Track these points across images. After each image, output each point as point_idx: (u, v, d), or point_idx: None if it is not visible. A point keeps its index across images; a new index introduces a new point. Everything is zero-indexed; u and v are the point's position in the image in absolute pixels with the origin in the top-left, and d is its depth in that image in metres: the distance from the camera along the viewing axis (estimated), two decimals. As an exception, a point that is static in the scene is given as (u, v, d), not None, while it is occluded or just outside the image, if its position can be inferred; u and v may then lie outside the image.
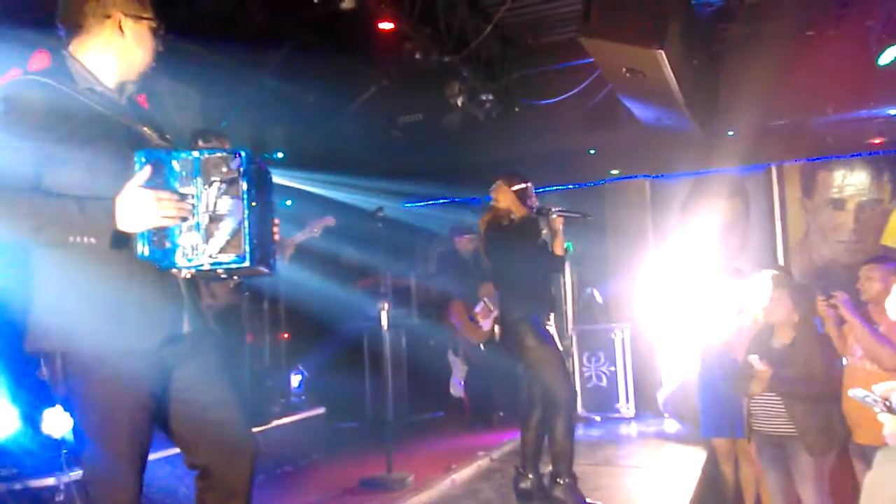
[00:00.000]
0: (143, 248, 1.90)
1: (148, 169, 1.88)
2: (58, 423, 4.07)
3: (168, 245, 1.91)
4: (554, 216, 4.15)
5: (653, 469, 5.04)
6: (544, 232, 4.25)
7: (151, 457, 3.41)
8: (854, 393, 1.89)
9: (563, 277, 7.71)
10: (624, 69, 4.83)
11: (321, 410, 5.97)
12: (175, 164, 1.93)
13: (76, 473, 3.79)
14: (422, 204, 9.21)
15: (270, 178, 2.16)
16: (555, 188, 8.08)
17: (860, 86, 5.93)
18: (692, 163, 7.57)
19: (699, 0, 5.80)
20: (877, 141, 7.14)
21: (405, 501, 4.28)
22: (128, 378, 1.95)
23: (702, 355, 4.96)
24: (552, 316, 4.14)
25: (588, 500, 3.94)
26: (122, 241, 1.88)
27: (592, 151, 7.50)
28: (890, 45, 5.46)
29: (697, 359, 5.02)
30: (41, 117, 1.88)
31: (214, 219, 1.91)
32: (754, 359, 3.76)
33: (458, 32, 5.71)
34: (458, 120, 6.38)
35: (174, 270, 1.97)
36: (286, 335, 7.02)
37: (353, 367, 7.21)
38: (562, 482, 3.89)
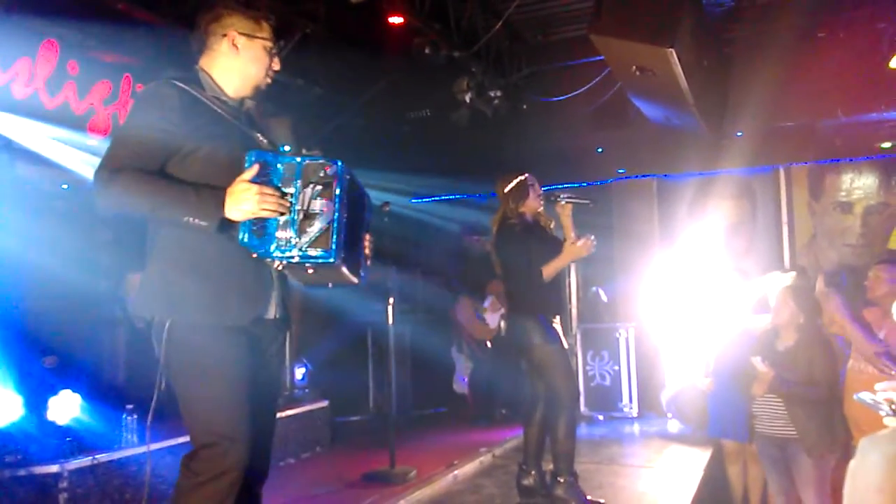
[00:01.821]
0: (243, 236, 2.10)
1: (256, 167, 2.11)
2: (63, 410, 4.10)
3: (265, 236, 2.11)
4: (563, 202, 4.13)
5: (655, 468, 5.04)
6: (552, 225, 4.22)
7: (156, 446, 3.42)
8: (861, 396, 1.89)
9: (569, 276, 7.72)
10: (634, 67, 4.82)
11: (325, 404, 5.99)
12: (280, 165, 2.16)
13: (80, 461, 3.82)
14: (429, 200, 9.21)
15: (365, 196, 2.40)
16: (562, 186, 8.06)
17: (870, 88, 5.90)
18: (700, 163, 7.54)
19: (710, 0, 5.77)
20: (886, 144, 7.11)
21: (407, 496, 4.28)
22: (226, 348, 2.12)
23: (714, 355, 4.95)
24: (558, 315, 4.14)
25: (590, 498, 3.94)
26: (227, 227, 2.09)
27: (600, 150, 7.48)
28: (901, 48, 5.44)
29: (709, 359, 5.00)
30: (176, 111, 2.13)
31: (308, 216, 2.12)
32: (757, 361, 3.76)
33: (468, 28, 5.71)
34: (467, 116, 6.37)
35: (268, 260, 2.16)
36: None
37: (357, 361, 7.23)
38: (563, 480, 3.89)
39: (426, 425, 6.95)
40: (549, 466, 4.02)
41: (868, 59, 5.74)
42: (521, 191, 4.06)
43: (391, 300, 4.98)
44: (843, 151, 7.33)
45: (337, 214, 2.12)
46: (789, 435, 3.71)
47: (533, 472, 4.06)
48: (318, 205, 2.12)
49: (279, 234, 2.11)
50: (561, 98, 6.42)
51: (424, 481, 4.55)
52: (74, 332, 5.00)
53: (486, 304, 6.66)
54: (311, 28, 5.41)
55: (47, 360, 4.59)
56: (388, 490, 4.40)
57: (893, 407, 1.84)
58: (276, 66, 2.39)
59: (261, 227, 2.11)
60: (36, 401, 4.11)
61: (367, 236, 2.41)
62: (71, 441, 3.94)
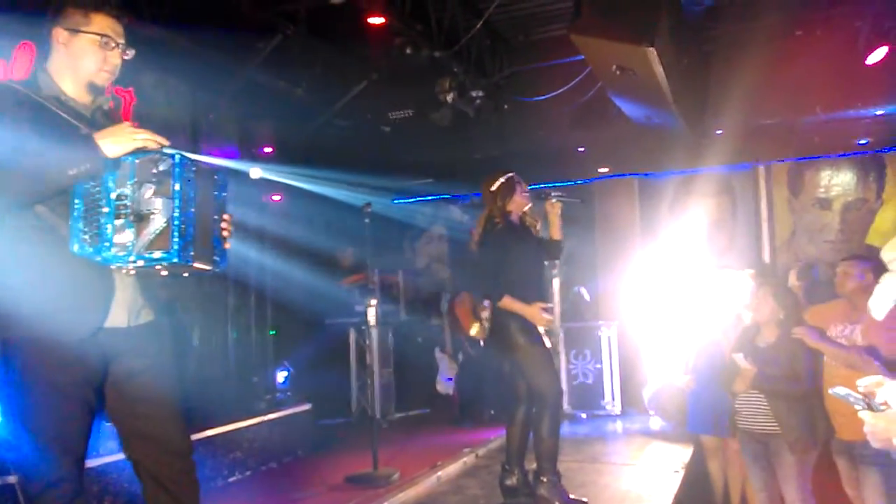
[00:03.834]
0: (73, 245, 2.03)
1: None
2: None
3: (101, 243, 2.03)
4: (553, 200, 4.14)
5: (638, 466, 5.06)
6: (538, 225, 4.22)
7: (117, 457, 3.35)
8: (835, 391, 1.89)
9: (552, 275, 7.73)
10: (614, 67, 4.83)
11: (307, 407, 5.95)
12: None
13: (6, 479, 3.68)
14: (411, 200, 9.20)
15: (221, 178, 2.25)
16: (544, 186, 8.08)
17: (847, 86, 5.96)
18: (681, 161, 7.59)
19: (689, -1, 5.80)
20: (863, 141, 7.19)
21: (391, 498, 4.27)
22: (63, 366, 2.06)
23: (694, 352, 4.97)
24: None
25: (573, 496, 3.95)
26: (111, 165, 2.02)
27: (581, 149, 7.50)
28: (877, 46, 5.49)
29: (689, 356, 5.03)
30: (7, 113, 2.05)
31: (144, 217, 2.03)
32: (739, 357, 3.78)
33: (449, 28, 5.70)
34: (448, 116, 6.36)
35: (113, 266, 2.08)
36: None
37: (339, 363, 7.20)
38: (546, 480, 3.89)
39: (409, 427, 6.93)
40: (532, 466, 4.02)
41: (845, 56, 5.79)
42: (509, 189, 4.05)
43: (373, 302, 4.97)
44: (821, 148, 7.41)
45: (177, 211, 2.03)
46: (771, 430, 3.73)
47: (516, 472, 4.06)
48: (156, 203, 2.02)
49: (116, 238, 2.03)
50: (542, 98, 6.43)
51: (408, 483, 4.54)
52: None
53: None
54: (291, 29, 5.37)
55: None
56: (372, 492, 4.39)
57: (867, 401, 1.84)
58: (115, 59, 2.25)
59: (94, 234, 2.03)
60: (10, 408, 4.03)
61: (226, 217, 2.27)
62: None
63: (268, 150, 6.85)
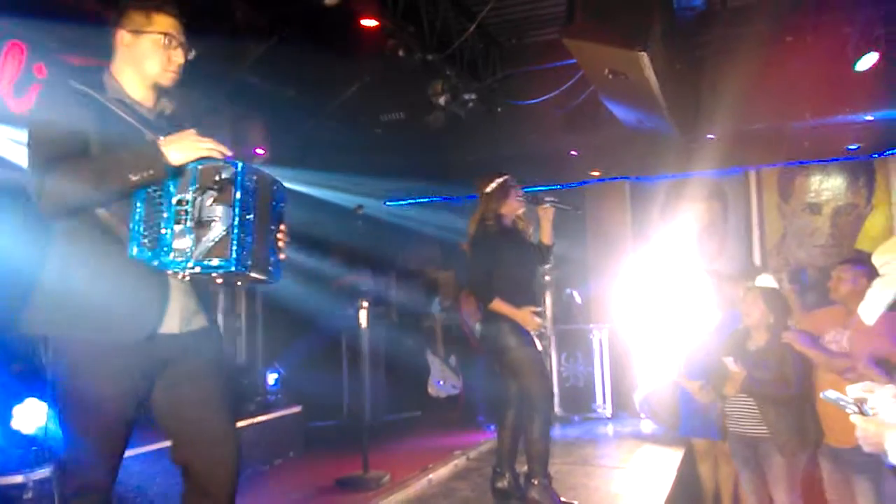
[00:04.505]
0: (132, 248, 2.01)
1: None
2: (28, 419, 4.01)
3: (159, 247, 2.02)
4: (547, 205, 4.14)
5: (629, 469, 5.07)
6: (531, 230, 4.23)
7: (126, 454, 3.34)
8: (826, 395, 1.90)
9: (543, 278, 7.73)
10: (606, 71, 4.84)
11: (297, 409, 5.93)
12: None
13: (45, 471, 3.74)
14: (403, 203, 9.20)
15: (279, 189, 2.26)
16: (535, 189, 8.10)
17: (837, 91, 5.99)
18: (672, 165, 7.63)
19: (681, 4, 5.83)
20: (853, 146, 7.24)
21: (381, 501, 4.26)
22: (113, 370, 2.05)
23: (685, 356, 4.99)
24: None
25: (563, 499, 3.95)
26: (175, 173, 2.03)
27: (574, 152, 7.52)
28: (867, 52, 5.54)
29: (680, 359, 5.05)
30: (73, 111, 2.06)
31: (205, 224, 2.01)
32: (729, 360, 3.79)
33: (442, 31, 5.70)
34: (441, 119, 6.36)
35: (169, 272, 2.06)
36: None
37: (330, 365, 7.18)
38: (537, 483, 3.89)
39: (400, 429, 6.92)
40: (523, 468, 4.02)
41: (835, 62, 5.83)
42: (503, 191, 4.06)
43: (365, 303, 4.96)
44: (811, 153, 7.45)
45: (237, 220, 2.02)
46: (761, 434, 3.75)
47: (507, 475, 4.06)
48: (216, 211, 2.01)
49: (175, 243, 2.01)
50: (534, 101, 6.44)
51: (398, 486, 4.53)
52: (41, 338, 4.90)
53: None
54: (284, 31, 5.37)
55: (14, 366, 4.49)
56: (362, 495, 4.38)
57: (859, 406, 1.85)
58: (178, 58, 2.27)
59: (153, 239, 2.02)
60: (0, 409, 4.02)
61: (283, 227, 2.27)
62: (36, 450, 3.85)
63: (260, 151, 6.84)
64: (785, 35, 6.06)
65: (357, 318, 4.92)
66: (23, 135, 4.64)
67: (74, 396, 2.06)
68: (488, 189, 4.06)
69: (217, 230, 2.00)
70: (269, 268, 2.19)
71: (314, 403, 6.39)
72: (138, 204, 2.04)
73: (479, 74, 6.51)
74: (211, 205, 2.01)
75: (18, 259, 4.55)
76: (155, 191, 2.03)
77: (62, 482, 2.08)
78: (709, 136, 6.78)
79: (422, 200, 9.10)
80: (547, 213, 4.16)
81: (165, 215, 2.03)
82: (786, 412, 3.70)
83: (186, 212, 2.02)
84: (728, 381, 3.82)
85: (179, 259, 2.01)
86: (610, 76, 4.88)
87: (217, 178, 2.02)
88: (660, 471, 4.91)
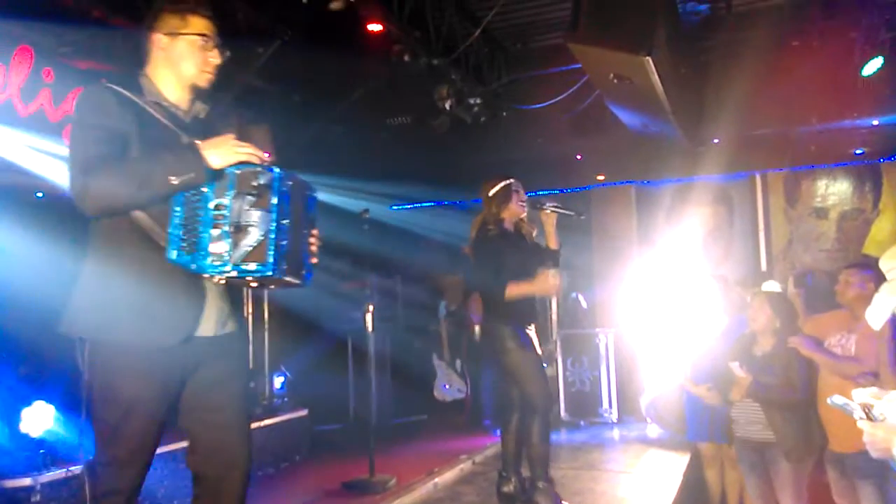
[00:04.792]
0: (172, 252, 2.03)
1: None
2: (36, 422, 4.03)
3: (197, 251, 2.03)
4: (548, 210, 4.11)
5: (636, 473, 5.06)
6: (534, 233, 4.22)
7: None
8: (833, 400, 1.89)
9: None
10: (611, 75, 4.84)
11: (304, 413, 5.95)
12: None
13: (53, 473, 3.76)
14: (409, 207, 9.20)
15: (311, 194, 2.30)
16: (541, 193, 8.11)
17: (843, 96, 5.99)
18: (677, 170, 7.62)
19: (686, 9, 5.83)
20: (859, 151, 7.22)
21: (387, 504, 4.27)
22: (148, 372, 2.07)
23: (691, 361, 4.98)
24: (533, 323, 4.11)
25: (565, 502, 3.95)
26: (213, 177, 2.05)
27: (579, 157, 7.52)
28: (873, 57, 5.53)
29: (686, 364, 5.04)
30: (113, 112, 2.09)
31: (242, 228, 2.02)
32: (734, 366, 3.79)
33: (447, 36, 5.72)
34: (446, 123, 6.38)
35: (206, 276, 2.07)
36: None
37: (336, 369, 7.19)
38: (541, 486, 3.89)
39: (406, 433, 6.92)
40: (527, 472, 4.02)
41: (841, 67, 5.83)
42: (505, 195, 4.05)
43: (370, 307, 4.96)
44: (817, 158, 7.44)
45: (274, 224, 2.03)
46: (767, 439, 3.74)
47: (513, 479, 4.06)
48: (253, 215, 2.02)
49: (213, 247, 2.02)
50: (540, 105, 6.44)
51: (404, 489, 4.53)
52: (48, 341, 4.91)
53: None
54: (289, 35, 5.38)
55: (21, 369, 4.52)
56: (368, 499, 4.40)
57: (867, 411, 1.85)
58: (215, 59, 2.28)
59: (192, 243, 2.03)
60: (8, 412, 4.04)
61: (315, 232, 2.30)
62: (44, 453, 3.87)
63: (265, 156, 6.84)
64: (791, 40, 6.06)
65: (363, 322, 4.93)
66: (33, 139, 4.69)
67: (108, 398, 2.07)
68: (491, 192, 4.07)
69: (254, 235, 2.02)
70: (303, 272, 2.21)
71: (320, 407, 6.40)
72: (177, 208, 2.05)
73: (485, 79, 6.52)
74: (248, 209, 2.03)
75: (25, 268, 4.60)
76: (193, 195, 2.04)
77: (92, 483, 2.08)
78: (714, 140, 6.78)
79: (427, 205, 9.10)
80: (549, 218, 4.14)
81: (203, 219, 2.04)
82: (792, 417, 3.69)
83: (224, 216, 2.03)
84: (734, 386, 3.82)
85: (217, 263, 2.02)
86: (615, 81, 4.88)
87: (255, 183, 2.04)
88: (666, 475, 4.90)
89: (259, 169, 2.07)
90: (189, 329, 2.12)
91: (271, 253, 2.02)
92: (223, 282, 2.11)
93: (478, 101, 6.29)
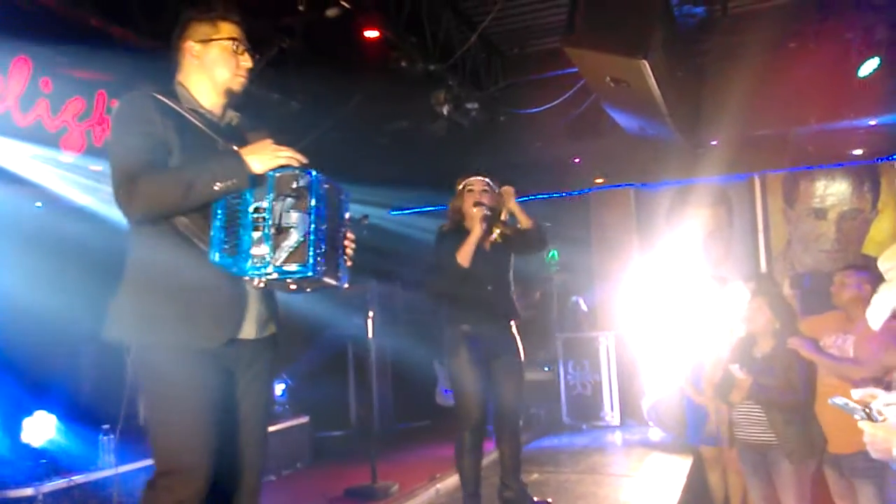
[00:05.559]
0: (214, 255, 2.06)
1: None
2: (38, 432, 4.03)
3: (239, 253, 2.06)
4: (506, 187, 4.02)
5: (638, 477, 5.05)
6: (499, 232, 4.04)
7: (130, 467, 3.37)
8: (834, 401, 1.89)
9: (549, 285, 7.73)
10: (608, 79, 4.85)
11: (305, 419, 5.94)
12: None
13: (55, 483, 3.76)
14: (407, 212, 9.21)
15: (345, 197, 2.32)
16: (539, 197, 8.11)
17: (841, 97, 6.00)
18: (676, 172, 7.62)
19: (682, 12, 5.84)
20: (857, 151, 7.23)
21: (389, 511, 4.26)
22: (194, 374, 2.08)
23: (692, 363, 4.98)
24: (511, 322, 3.98)
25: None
26: (256, 182, 2.08)
27: (577, 160, 7.53)
28: (869, 58, 5.54)
29: (687, 367, 5.04)
30: (154, 119, 2.13)
31: (283, 230, 2.06)
32: (734, 368, 3.78)
33: (444, 42, 5.73)
34: (444, 128, 6.39)
35: (246, 278, 2.10)
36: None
37: (337, 375, 7.18)
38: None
39: (408, 439, 6.91)
40: (532, 477, 4.02)
41: (838, 68, 5.84)
42: (459, 195, 4.09)
43: (371, 313, 4.96)
44: (816, 159, 7.45)
45: (313, 226, 2.07)
46: (769, 441, 3.73)
47: (513, 485, 4.05)
48: (292, 218, 2.06)
49: (254, 250, 2.06)
50: (537, 110, 6.46)
51: (407, 495, 4.53)
52: (49, 352, 4.92)
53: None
54: (287, 43, 5.39)
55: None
56: (371, 505, 4.38)
57: (867, 411, 1.85)
58: (247, 62, 2.33)
59: (234, 245, 2.07)
60: (10, 422, 4.04)
61: (349, 235, 2.32)
62: (46, 463, 3.87)
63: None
64: (787, 41, 6.08)
65: (364, 328, 4.93)
66: (32, 149, 4.69)
67: (159, 397, 2.10)
68: (459, 187, 4.08)
69: (294, 237, 2.05)
70: (339, 273, 2.24)
71: (322, 413, 6.39)
72: (219, 211, 2.08)
73: (482, 84, 6.53)
74: (288, 212, 2.06)
75: (25, 278, 4.60)
76: (234, 198, 2.08)
77: (149, 493, 2.08)
78: (712, 142, 6.79)
79: (426, 209, 9.11)
80: (506, 197, 3.99)
81: (244, 222, 2.08)
82: (792, 419, 3.68)
83: (264, 219, 2.06)
84: (734, 388, 3.81)
85: (258, 265, 2.05)
86: (612, 84, 4.89)
87: (294, 185, 2.07)
88: (669, 479, 4.89)
89: (297, 172, 2.11)
90: (232, 331, 2.15)
91: (311, 254, 2.05)
92: (262, 284, 2.12)
93: (475, 105, 6.30)
